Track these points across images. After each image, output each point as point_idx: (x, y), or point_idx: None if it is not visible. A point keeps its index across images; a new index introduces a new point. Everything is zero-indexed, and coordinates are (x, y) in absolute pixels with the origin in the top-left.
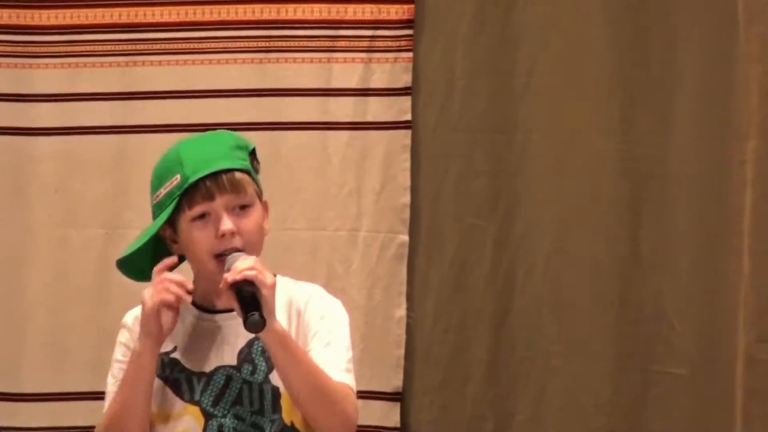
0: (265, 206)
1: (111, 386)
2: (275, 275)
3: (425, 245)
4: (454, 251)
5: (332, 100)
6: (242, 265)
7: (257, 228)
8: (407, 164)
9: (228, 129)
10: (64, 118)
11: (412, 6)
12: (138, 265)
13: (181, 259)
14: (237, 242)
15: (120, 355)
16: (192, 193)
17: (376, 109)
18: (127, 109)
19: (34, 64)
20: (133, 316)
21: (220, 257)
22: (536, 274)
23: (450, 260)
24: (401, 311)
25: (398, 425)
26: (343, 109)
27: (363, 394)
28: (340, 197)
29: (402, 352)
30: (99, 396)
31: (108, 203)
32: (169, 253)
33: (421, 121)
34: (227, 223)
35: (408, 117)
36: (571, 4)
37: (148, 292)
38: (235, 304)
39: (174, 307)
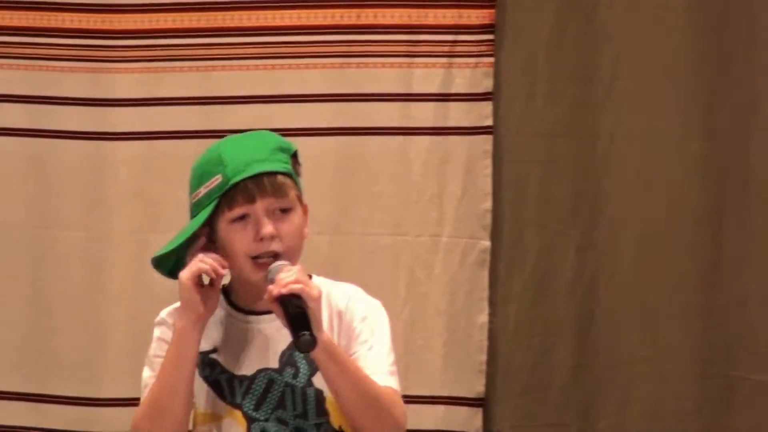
0: (305, 210)
1: (148, 379)
2: (311, 277)
3: (507, 251)
4: (536, 257)
5: (413, 106)
6: (287, 278)
7: (297, 232)
8: (488, 170)
9: (309, 134)
10: (143, 123)
11: (492, 11)
12: (174, 264)
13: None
14: (276, 246)
15: (158, 350)
16: (232, 194)
17: (457, 114)
18: (207, 114)
19: (114, 69)
20: (167, 311)
21: (258, 260)
22: (619, 279)
23: (532, 266)
24: (483, 317)
25: (481, 431)
26: (424, 114)
27: (446, 400)
28: (422, 203)
29: (484, 357)
30: None
31: (188, 208)
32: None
33: (502, 126)
34: (267, 227)
35: (489, 122)
36: (653, 7)
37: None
38: (281, 318)
39: (210, 277)
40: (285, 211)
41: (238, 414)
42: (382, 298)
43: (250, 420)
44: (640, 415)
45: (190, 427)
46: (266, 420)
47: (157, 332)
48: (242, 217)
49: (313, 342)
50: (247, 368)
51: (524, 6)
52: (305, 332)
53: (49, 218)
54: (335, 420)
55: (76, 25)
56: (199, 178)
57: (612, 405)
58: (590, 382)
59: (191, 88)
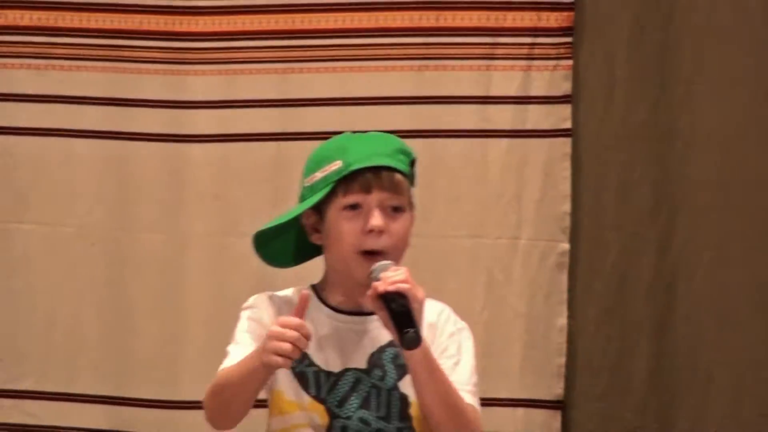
0: (412, 218)
1: (233, 348)
2: None
3: (586, 253)
4: (615, 259)
5: (492, 108)
6: (395, 277)
7: (405, 234)
8: (567, 172)
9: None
10: (220, 125)
11: (571, 13)
12: (275, 247)
13: (315, 252)
14: (383, 242)
15: (245, 327)
16: (349, 181)
17: (536, 117)
18: (284, 116)
19: (191, 71)
20: (254, 298)
21: (364, 254)
22: (698, 282)
23: (611, 268)
24: (562, 319)
25: None
26: (502, 117)
27: (525, 403)
28: (500, 205)
29: (563, 360)
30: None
31: (267, 210)
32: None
33: (581, 128)
34: (378, 219)
35: (568, 125)
36: (731, 8)
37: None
38: (382, 313)
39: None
40: (397, 209)
41: (322, 409)
42: (461, 301)
43: (332, 416)
44: (719, 419)
45: (275, 412)
46: (348, 418)
47: (243, 314)
48: (354, 206)
49: (417, 339)
50: (334, 365)
51: (603, 8)
52: (410, 329)
53: (127, 220)
54: (417, 426)
55: (153, 28)
56: (317, 162)
57: (690, 408)
58: (668, 384)
59: (269, 90)
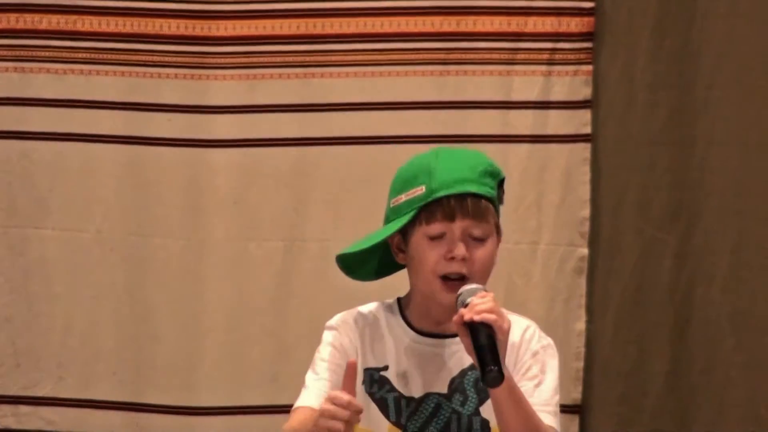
0: (499, 238)
1: (310, 380)
2: None
3: (605, 258)
4: (633, 264)
5: (512, 113)
6: (482, 306)
7: (489, 260)
8: (587, 177)
9: (407, 142)
10: (241, 130)
11: (592, 19)
12: (359, 261)
13: (398, 266)
14: (464, 269)
15: (326, 354)
16: (433, 208)
17: (556, 122)
18: (306, 121)
19: (212, 76)
20: (338, 318)
21: (445, 279)
22: (716, 286)
23: (630, 273)
24: (581, 324)
25: None
26: (523, 121)
27: None
28: (520, 210)
29: (582, 364)
30: (277, 410)
31: (287, 216)
32: (393, 259)
33: (601, 134)
34: (461, 249)
35: (588, 130)
36: (750, 14)
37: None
38: (466, 341)
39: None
40: (480, 238)
41: None
42: None
43: None
44: (736, 422)
45: None
46: None
47: (326, 336)
48: (438, 236)
49: (500, 378)
50: (415, 390)
51: (623, 14)
52: (494, 367)
53: (146, 226)
54: None
55: (173, 32)
56: (403, 183)
57: (708, 411)
58: (686, 388)
59: (289, 95)
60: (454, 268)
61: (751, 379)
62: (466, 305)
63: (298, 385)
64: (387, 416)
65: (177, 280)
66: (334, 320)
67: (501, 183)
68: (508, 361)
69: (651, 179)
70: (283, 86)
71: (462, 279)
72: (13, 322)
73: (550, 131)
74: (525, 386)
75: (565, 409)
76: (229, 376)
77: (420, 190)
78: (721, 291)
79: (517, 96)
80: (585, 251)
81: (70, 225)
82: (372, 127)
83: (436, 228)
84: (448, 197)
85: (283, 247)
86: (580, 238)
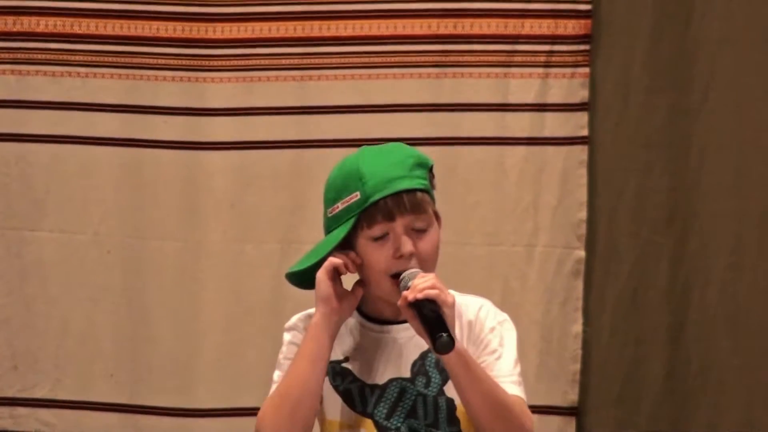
0: (439, 222)
1: (277, 376)
2: None
3: (602, 260)
4: (630, 266)
5: (509, 116)
6: (423, 284)
7: (434, 249)
8: (584, 180)
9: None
10: (238, 132)
11: (589, 21)
12: (309, 277)
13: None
14: (414, 264)
15: (290, 353)
16: (372, 211)
17: (553, 124)
18: (302, 124)
19: (208, 78)
20: (298, 317)
21: (396, 277)
22: (712, 288)
23: (626, 275)
24: (578, 326)
25: None
26: (519, 124)
27: (539, 409)
28: (517, 212)
29: (578, 367)
30: None
31: (284, 218)
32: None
33: (597, 136)
34: (407, 245)
35: (585, 132)
36: (747, 17)
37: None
38: (414, 322)
39: (343, 273)
40: (423, 229)
41: (369, 423)
42: None
43: (381, 429)
44: (733, 424)
45: None
46: (397, 429)
47: (287, 336)
48: (382, 236)
49: (451, 343)
50: (379, 377)
51: (620, 16)
52: (443, 333)
53: (143, 228)
54: (465, 428)
55: (170, 35)
56: (337, 191)
57: (704, 414)
58: (683, 390)
59: (286, 97)
60: (403, 265)
61: (747, 382)
62: (408, 288)
63: None
64: (353, 407)
65: (174, 282)
66: (291, 321)
67: (431, 169)
68: (465, 339)
69: (648, 182)
70: (279, 89)
71: (414, 270)
72: (11, 324)
73: (546, 134)
74: (486, 361)
75: (562, 411)
76: (226, 377)
77: (355, 196)
78: (718, 293)
79: (513, 98)
80: (582, 254)
81: (67, 227)
82: (369, 129)
83: (378, 229)
84: (384, 198)
85: (280, 250)
86: (576, 241)
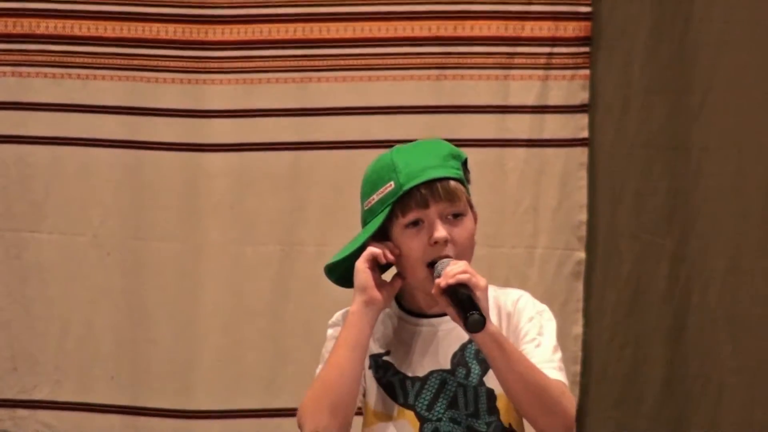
0: (475, 217)
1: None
2: None
3: (602, 262)
4: (630, 268)
5: (509, 117)
6: (454, 270)
7: (469, 236)
8: (584, 181)
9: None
10: (238, 134)
11: (589, 23)
12: (347, 272)
13: (387, 266)
14: (449, 251)
15: (331, 348)
16: (406, 200)
17: (553, 126)
18: (302, 126)
19: (208, 80)
20: (340, 313)
21: (432, 265)
22: (712, 290)
23: (626, 277)
24: (578, 328)
25: None
26: (520, 126)
27: None
28: (517, 214)
29: (578, 368)
30: (274, 414)
31: (284, 220)
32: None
33: (597, 138)
34: (441, 231)
35: (585, 134)
36: (746, 19)
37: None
38: (449, 309)
39: (383, 262)
40: (457, 216)
41: (411, 414)
42: None
43: (422, 420)
44: (732, 427)
45: (361, 424)
46: (439, 420)
47: (330, 332)
48: (416, 223)
49: (482, 320)
50: (419, 369)
51: (620, 19)
52: (473, 312)
53: (143, 229)
54: (504, 418)
55: (171, 36)
56: (371, 185)
57: (704, 416)
58: (683, 393)
59: (286, 99)
60: (438, 252)
61: (747, 384)
62: (440, 276)
63: (295, 388)
64: (395, 399)
65: (174, 283)
66: (335, 317)
67: (465, 163)
68: (505, 330)
69: (647, 183)
70: (279, 90)
71: (446, 259)
72: (10, 325)
73: (547, 135)
74: (525, 349)
75: None
76: (226, 379)
77: (389, 186)
78: (718, 295)
79: (514, 100)
80: (582, 255)
81: (66, 229)
82: (369, 131)
83: (412, 215)
84: (417, 187)
85: (280, 251)
86: (577, 242)
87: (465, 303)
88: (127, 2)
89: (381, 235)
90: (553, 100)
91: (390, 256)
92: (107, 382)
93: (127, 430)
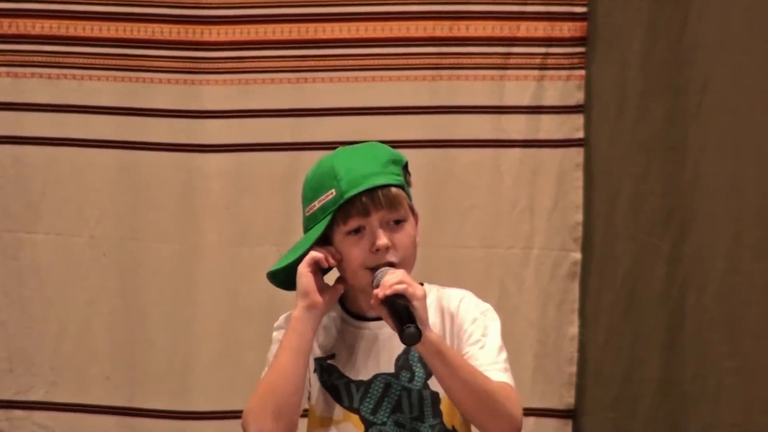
0: (416, 219)
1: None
2: (422, 284)
3: (598, 263)
4: (626, 269)
5: (504, 118)
6: (391, 280)
7: (411, 242)
8: (580, 182)
9: (400, 147)
10: (234, 135)
11: (585, 23)
12: (289, 277)
13: (329, 269)
14: (391, 257)
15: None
16: (347, 208)
17: (549, 126)
18: (298, 126)
19: (204, 80)
20: (284, 316)
21: (374, 270)
22: (709, 292)
23: (623, 278)
24: (574, 329)
25: None
26: (515, 126)
27: (535, 412)
28: (513, 215)
29: (574, 369)
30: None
31: (279, 221)
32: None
33: (593, 138)
34: (383, 239)
35: (580, 135)
36: (743, 19)
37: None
38: (388, 319)
39: (323, 266)
40: (398, 222)
41: (356, 418)
42: None
43: (367, 424)
44: (729, 428)
45: (305, 428)
46: (383, 423)
47: (275, 335)
48: (357, 230)
49: (417, 334)
50: (364, 373)
51: (616, 19)
52: (410, 325)
53: (139, 230)
54: (448, 420)
55: (166, 37)
56: (313, 191)
57: (701, 417)
58: (679, 394)
59: (282, 100)
60: (381, 258)
61: (743, 385)
62: (378, 287)
63: None
64: (340, 402)
65: (170, 284)
66: (279, 321)
67: (405, 167)
68: (448, 332)
69: (644, 184)
70: (275, 91)
71: (392, 267)
72: (6, 326)
73: (542, 136)
74: (470, 351)
75: (559, 413)
76: (222, 380)
77: (330, 194)
78: (714, 297)
79: (509, 101)
80: (578, 256)
81: (63, 229)
82: (364, 132)
83: (354, 223)
84: (359, 195)
85: (276, 252)
86: (572, 243)
87: (402, 315)
88: (122, 3)
89: (323, 240)
90: (549, 100)
91: (332, 261)
92: (103, 382)
93: (124, 431)
